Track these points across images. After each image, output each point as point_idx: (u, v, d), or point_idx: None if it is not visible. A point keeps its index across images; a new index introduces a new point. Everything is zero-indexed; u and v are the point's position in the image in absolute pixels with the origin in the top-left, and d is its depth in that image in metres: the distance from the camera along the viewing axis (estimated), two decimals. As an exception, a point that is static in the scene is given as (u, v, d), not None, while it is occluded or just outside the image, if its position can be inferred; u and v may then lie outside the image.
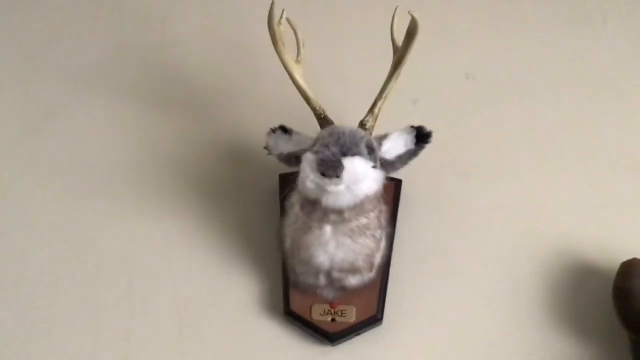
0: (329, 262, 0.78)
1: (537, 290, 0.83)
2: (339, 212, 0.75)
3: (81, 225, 0.90)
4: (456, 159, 0.92)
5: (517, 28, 1.02)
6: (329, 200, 0.73)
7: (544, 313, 0.82)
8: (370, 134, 0.77)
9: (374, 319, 0.81)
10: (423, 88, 0.95)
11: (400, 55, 0.76)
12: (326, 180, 0.71)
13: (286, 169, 0.82)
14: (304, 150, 0.75)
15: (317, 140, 0.74)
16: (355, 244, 0.77)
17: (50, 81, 1.00)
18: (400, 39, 0.76)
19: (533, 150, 0.92)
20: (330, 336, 0.80)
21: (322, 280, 0.80)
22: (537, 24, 1.02)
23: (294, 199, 0.79)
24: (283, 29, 0.77)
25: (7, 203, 0.92)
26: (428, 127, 0.78)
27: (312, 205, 0.75)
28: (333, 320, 0.81)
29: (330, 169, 0.71)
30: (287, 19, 0.77)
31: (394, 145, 0.78)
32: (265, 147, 0.81)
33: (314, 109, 0.78)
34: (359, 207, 0.75)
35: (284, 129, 0.80)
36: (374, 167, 0.74)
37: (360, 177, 0.72)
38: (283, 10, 0.75)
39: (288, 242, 0.81)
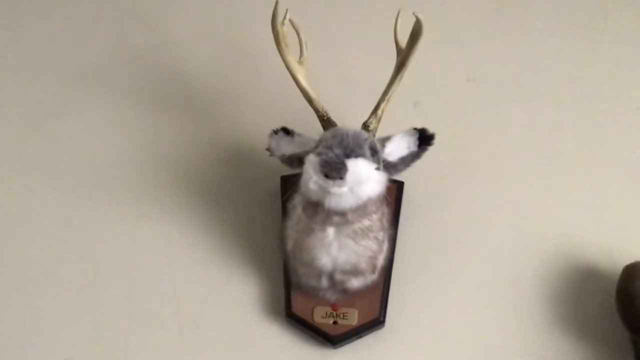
0: (331, 264, 0.78)
1: (540, 292, 0.83)
2: (342, 214, 0.74)
3: (81, 226, 0.89)
4: (458, 162, 0.91)
5: (519, 30, 1.02)
6: (331, 202, 0.73)
7: (547, 315, 0.82)
8: (374, 136, 0.77)
9: (377, 322, 0.81)
10: (424, 90, 0.94)
11: (403, 56, 0.76)
12: (329, 182, 0.71)
13: (288, 170, 0.82)
14: (307, 152, 0.74)
15: (320, 141, 0.74)
16: (358, 246, 0.77)
17: (50, 81, 1.00)
18: (403, 41, 0.76)
19: (535, 152, 0.92)
20: (332, 339, 0.80)
21: (324, 282, 0.80)
22: (538, 26, 1.02)
23: (297, 201, 0.78)
24: (286, 30, 0.76)
25: (6, 203, 0.91)
26: (430, 129, 0.78)
27: (315, 207, 0.75)
28: (335, 322, 0.80)
29: (334, 170, 0.70)
30: (290, 20, 0.77)
31: (397, 148, 0.78)
32: (267, 149, 0.80)
33: (316, 111, 0.78)
34: (362, 209, 0.75)
35: (286, 131, 0.80)
36: (377, 169, 0.73)
37: (364, 179, 0.72)
38: (287, 10, 0.75)
39: (290, 244, 0.80)
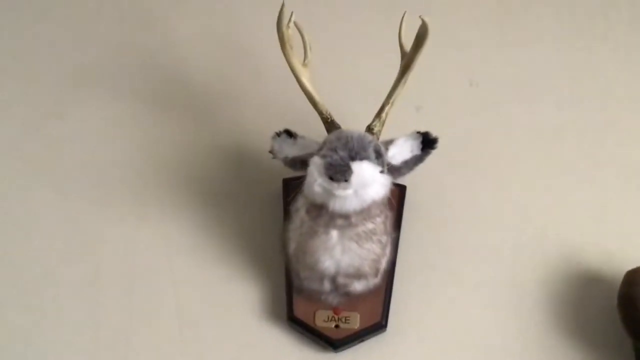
0: (334, 268, 0.77)
1: (542, 297, 0.83)
2: (346, 216, 0.74)
3: (82, 228, 0.88)
4: (460, 165, 0.91)
5: (521, 35, 1.02)
6: (336, 205, 0.73)
7: (549, 320, 0.82)
8: (378, 139, 0.77)
9: (379, 326, 0.80)
10: (427, 94, 0.94)
11: (408, 60, 0.76)
12: (334, 185, 0.71)
13: (290, 173, 0.81)
14: (311, 155, 0.74)
15: (324, 144, 0.74)
16: (362, 249, 0.76)
17: (51, 82, 0.99)
18: (407, 44, 0.76)
19: (537, 157, 0.92)
20: (334, 343, 0.80)
21: (326, 285, 0.79)
22: (540, 30, 1.02)
23: (300, 203, 0.78)
24: (291, 32, 0.76)
25: (6, 205, 0.90)
26: (432, 133, 0.78)
27: (319, 209, 0.75)
28: (337, 326, 0.80)
29: (339, 173, 0.70)
30: (295, 23, 0.77)
31: (400, 151, 0.78)
32: (270, 151, 0.80)
33: (320, 113, 0.78)
34: (365, 212, 0.75)
35: (289, 133, 0.79)
36: (381, 172, 0.73)
37: (369, 182, 0.72)
38: (292, 12, 0.74)
39: (292, 247, 0.80)
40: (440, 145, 0.78)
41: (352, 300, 0.80)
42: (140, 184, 0.91)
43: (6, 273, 0.86)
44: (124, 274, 0.85)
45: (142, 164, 0.93)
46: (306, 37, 0.79)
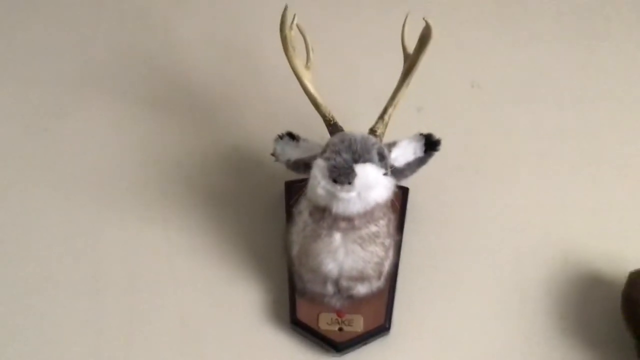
0: (337, 270, 0.77)
1: (545, 298, 0.83)
2: (349, 219, 0.74)
3: (83, 230, 0.88)
4: (462, 168, 0.91)
5: (523, 36, 1.02)
6: (339, 207, 0.72)
7: (552, 322, 0.82)
8: (381, 141, 0.76)
9: (382, 329, 0.80)
10: (428, 96, 0.94)
11: (411, 62, 0.76)
12: (338, 187, 0.71)
13: (292, 176, 0.81)
14: (314, 157, 0.74)
15: (327, 146, 0.74)
16: (365, 252, 0.76)
17: (52, 84, 0.99)
18: (410, 46, 0.76)
19: (539, 158, 0.93)
20: (337, 346, 0.79)
21: (329, 288, 0.79)
22: (542, 32, 1.03)
23: (303, 206, 0.78)
24: (294, 35, 0.76)
25: (8, 206, 0.90)
26: (435, 134, 0.78)
27: (322, 212, 0.74)
28: (340, 329, 0.80)
29: (343, 175, 0.70)
30: (297, 25, 0.77)
31: (403, 153, 0.78)
32: (273, 154, 0.80)
33: (323, 116, 0.78)
34: (369, 215, 0.74)
35: (292, 136, 0.79)
36: (385, 174, 0.73)
37: (372, 184, 0.71)
38: (294, 15, 0.74)
39: (295, 250, 0.80)
40: (442, 146, 0.78)
41: (355, 303, 0.80)
42: (142, 186, 0.91)
43: (7, 274, 0.85)
44: (125, 277, 0.85)
45: (143, 166, 0.92)
46: (308, 40, 0.78)
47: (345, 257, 0.76)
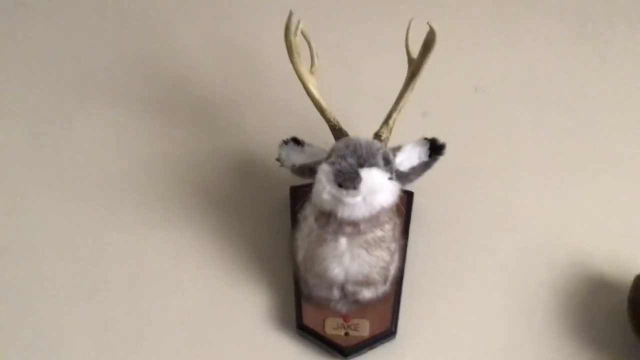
0: (343, 275, 0.77)
1: (552, 302, 0.83)
2: (355, 224, 0.74)
3: (88, 236, 0.88)
4: (466, 171, 0.91)
5: (527, 41, 1.02)
6: (344, 212, 0.72)
7: (558, 325, 0.82)
8: (386, 146, 0.77)
9: (388, 333, 0.80)
10: (433, 101, 0.94)
11: (416, 66, 0.76)
12: (343, 192, 0.71)
13: (297, 181, 0.81)
14: (319, 162, 0.74)
15: (332, 151, 0.74)
16: (371, 256, 0.76)
17: (56, 90, 0.99)
18: (414, 50, 0.76)
19: (544, 162, 0.93)
20: (343, 351, 0.79)
21: (335, 293, 0.79)
22: (546, 37, 1.03)
23: (308, 211, 0.78)
24: (298, 40, 0.76)
25: (13, 213, 0.90)
26: (439, 139, 0.78)
27: (327, 217, 0.74)
28: (347, 334, 0.80)
29: (348, 180, 0.70)
30: (302, 31, 0.77)
31: (408, 157, 0.78)
32: (277, 159, 0.80)
33: (328, 121, 0.78)
34: (374, 220, 0.74)
35: (296, 141, 0.79)
36: (390, 179, 0.73)
37: (378, 189, 0.72)
38: (299, 21, 0.75)
39: (301, 255, 0.80)
40: (446, 151, 0.78)
41: (361, 307, 0.80)
42: (147, 191, 0.91)
43: (12, 281, 0.85)
44: (129, 281, 0.85)
45: (148, 171, 0.92)
46: (313, 45, 0.79)
47: (351, 262, 0.76)
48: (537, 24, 1.04)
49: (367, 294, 0.79)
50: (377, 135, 0.76)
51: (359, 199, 0.71)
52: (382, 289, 0.80)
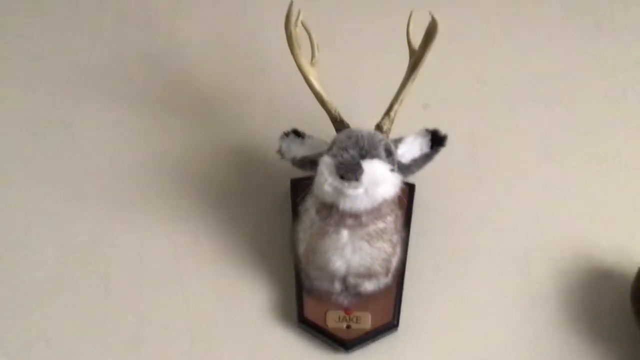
0: (345, 268, 0.77)
1: (554, 294, 0.83)
2: (356, 216, 0.74)
3: (88, 233, 0.88)
4: (468, 163, 0.91)
5: (528, 33, 1.02)
6: (346, 204, 0.72)
7: (561, 316, 0.82)
8: (387, 137, 0.76)
9: (390, 325, 0.80)
10: (434, 93, 0.94)
11: (417, 57, 0.75)
12: (345, 184, 0.70)
13: (297, 173, 0.81)
14: (320, 154, 0.74)
15: (334, 143, 0.73)
16: (373, 248, 0.76)
17: (56, 86, 0.98)
18: (415, 41, 0.76)
19: (546, 154, 0.92)
20: (345, 344, 0.79)
21: (337, 286, 0.79)
22: (548, 28, 1.02)
23: (309, 203, 0.77)
24: (299, 32, 0.76)
25: (12, 210, 0.90)
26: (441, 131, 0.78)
27: (329, 209, 0.74)
28: (348, 327, 0.79)
29: (350, 172, 0.70)
30: (302, 22, 0.76)
31: (409, 149, 0.78)
32: (278, 152, 0.79)
33: (329, 112, 0.77)
34: (376, 212, 0.74)
35: (297, 133, 0.79)
36: (392, 170, 0.73)
37: (380, 180, 0.71)
38: (299, 11, 0.74)
39: (302, 247, 0.79)
40: (448, 142, 0.78)
41: (363, 300, 0.80)
42: (147, 185, 0.91)
43: (13, 279, 0.85)
44: (131, 275, 0.85)
45: (148, 166, 0.92)
46: (313, 36, 0.78)
47: (353, 254, 0.76)
48: (540, 15, 1.03)
49: (368, 286, 0.79)
50: (378, 127, 0.76)
51: (360, 190, 0.71)
52: (384, 281, 0.79)
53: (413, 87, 0.77)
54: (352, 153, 0.70)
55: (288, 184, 0.87)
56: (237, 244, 0.86)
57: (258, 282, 0.84)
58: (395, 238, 0.79)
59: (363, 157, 0.70)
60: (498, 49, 1.00)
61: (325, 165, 0.71)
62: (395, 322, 0.80)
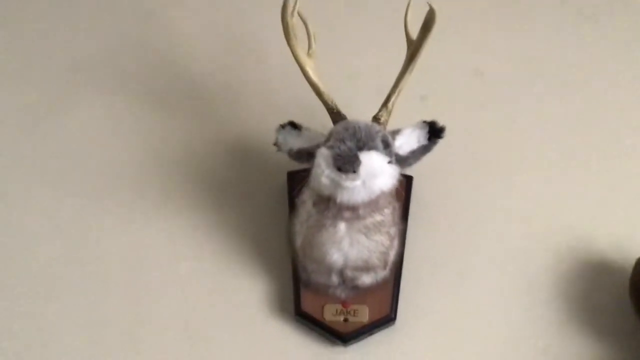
0: (342, 260, 0.76)
1: (552, 288, 0.82)
2: (354, 208, 0.73)
3: (84, 227, 0.87)
4: (466, 156, 0.91)
5: (527, 24, 1.01)
6: (343, 197, 0.71)
7: (559, 310, 0.81)
8: (385, 129, 0.75)
9: (388, 319, 0.80)
10: (432, 84, 0.93)
11: (415, 48, 0.75)
12: (342, 176, 0.70)
13: (294, 166, 0.80)
14: (317, 146, 0.73)
15: (331, 135, 0.73)
16: (370, 241, 0.75)
17: (52, 78, 0.98)
18: (413, 32, 0.75)
19: (544, 146, 0.92)
20: (343, 337, 0.79)
21: (334, 279, 0.78)
22: (546, 20, 1.02)
23: (306, 196, 0.77)
24: (295, 22, 0.75)
25: (7, 204, 0.89)
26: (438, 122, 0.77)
27: (326, 201, 0.73)
28: (346, 320, 0.79)
29: (347, 163, 0.69)
30: (299, 12, 0.75)
31: (407, 141, 0.77)
32: (275, 144, 0.78)
33: (326, 104, 0.77)
34: (373, 204, 0.73)
35: (294, 125, 0.78)
36: (389, 162, 0.72)
37: (377, 173, 0.71)
38: (296, 1, 0.73)
39: (299, 240, 0.79)
40: (445, 134, 0.77)
41: (360, 293, 0.79)
42: (144, 178, 0.90)
43: (8, 276, 0.84)
44: (128, 269, 0.84)
45: (144, 160, 0.91)
46: (310, 27, 0.77)
47: (350, 247, 0.75)
48: (539, 5, 1.03)
49: (366, 279, 0.78)
50: (376, 118, 0.75)
51: (358, 182, 0.70)
52: (382, 274, 0.79)
53: (411, 79, 0.76)
54: (349, 145, 0.70)
55: (285, 176, 0.86)
56: (233, 237, 0.86)
57: (255, 276, 0.84)
58: (393, 231, 0.78)
59: (360, 148, 0.70)
60: (496, 40, 1.00)
61: (323, 157, 0.71)
62: (393, 316, 0.80)
